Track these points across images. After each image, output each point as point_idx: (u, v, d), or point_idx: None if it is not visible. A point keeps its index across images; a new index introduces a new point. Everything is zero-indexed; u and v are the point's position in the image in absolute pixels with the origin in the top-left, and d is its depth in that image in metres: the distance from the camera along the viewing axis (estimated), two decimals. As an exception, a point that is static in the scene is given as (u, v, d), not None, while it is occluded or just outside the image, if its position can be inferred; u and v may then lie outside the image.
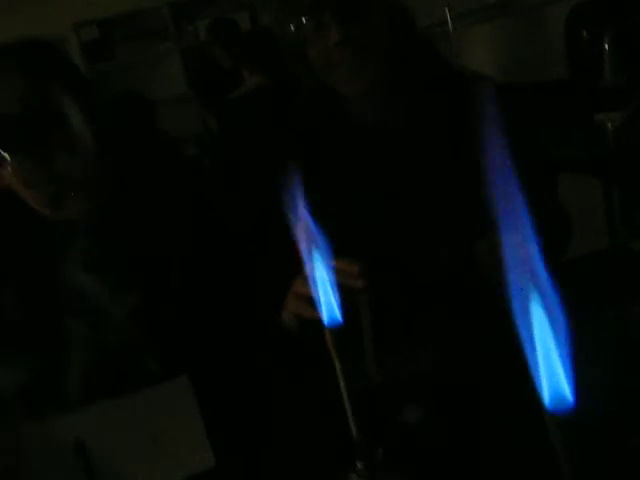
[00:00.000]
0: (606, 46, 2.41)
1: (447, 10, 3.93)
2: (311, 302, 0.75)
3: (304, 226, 0.73)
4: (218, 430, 0.98)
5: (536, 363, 0.49)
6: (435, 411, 0.89)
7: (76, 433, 1.06)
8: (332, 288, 0.73)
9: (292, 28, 1.17)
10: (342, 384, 0.75)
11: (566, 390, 0.49)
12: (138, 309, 1.16)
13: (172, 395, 1.11)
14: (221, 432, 0.98)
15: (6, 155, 1.07)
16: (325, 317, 0.73)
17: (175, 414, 1.07)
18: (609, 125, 2.24)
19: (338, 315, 0.73)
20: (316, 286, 0.72)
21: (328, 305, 0.73)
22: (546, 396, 0.49)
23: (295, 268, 0.79)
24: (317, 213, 0.71)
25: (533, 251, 0.45)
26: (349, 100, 1.19)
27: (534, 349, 0.48)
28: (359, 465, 0.79)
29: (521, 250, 0.45)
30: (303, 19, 1.13)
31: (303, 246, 0.73)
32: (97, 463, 1.00)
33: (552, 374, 0.48)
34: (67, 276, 1.15)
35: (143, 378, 1.12)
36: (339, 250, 0.74)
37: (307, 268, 0.72)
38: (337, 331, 0.73)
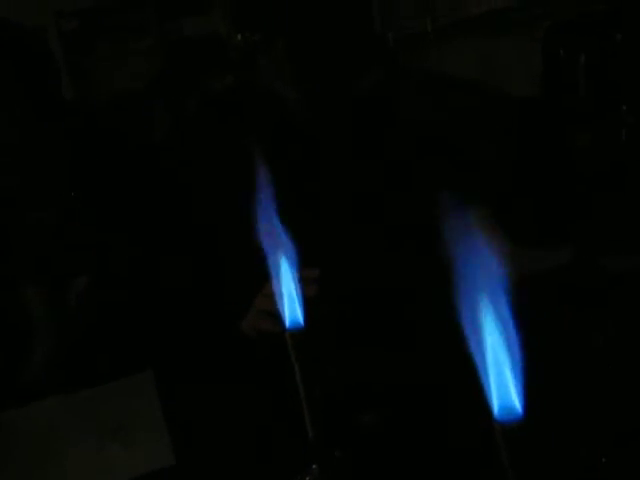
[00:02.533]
0: (582, 66, 2.44)
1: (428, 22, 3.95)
2: (272, 317, 0.76)
3: (269, 230, 0.74)
4: (179, 427, 0.98)
5: (486, 372, 0.50)
6: (392, 414, 0.90)
7: (37, 424, 1.06)
8: (296, 292, 0.74)
9: (239, 38, 1.19)
10: (300, 387, 0.76)
11: (515, 400, 0.50)
12: (86, 293, 1.16)
13: (135, 389, 1.11)
14: (182, 429, 0.98)
15: None
16: (287, 320, 0.74)
17: (137, 409, 1.07)
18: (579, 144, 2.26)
19: (300, 319, 0.74)
20: (280, 289, 0.73)
21: (290, 308, 0.74)
22: (495, 404, 0.50)
23: (258, 279, 0.80)
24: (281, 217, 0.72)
25: (487, 259, 0.46)
26: (296, 105, 1.21)
27: (484, 357, 0.49)
28: (314, 467, 0.80)
29: (475, 257, 0.46)
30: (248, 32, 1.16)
31: (268, 250, 0.73)
32: (56, 454, 1.00)
33: (502, 384, 0.50)
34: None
35: (100, 369, 1.12)
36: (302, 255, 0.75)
37: (272, 273, 0.73)
38: (298, 335, 0.74)
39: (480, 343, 0.48)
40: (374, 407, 0.91)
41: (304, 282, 0.95)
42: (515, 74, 2.71)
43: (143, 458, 0.98)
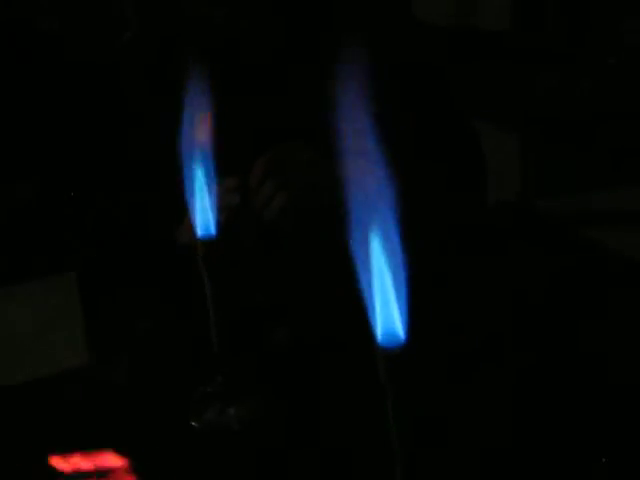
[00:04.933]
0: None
1: None
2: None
3: (188, 138, 0.72)
4: (96, 330, 0.98)
5: (371, 297, 0.49)
6: (302, 334, 0.90)
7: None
8: (211, 201, 0.73)
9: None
10: (208, 296, 0.75)
11: (398, 326, 0.49)
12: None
13: (57, 289, 1.10)
14: (98, 332, 0.97)
15: None
16: (199, 228, 0.72)
17: (58, 308, 1.06)
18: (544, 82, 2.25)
19: (212, 228, 0.73)
20: (194, 198, 0.72)
21: (204, 217, 0.72)
22: (378, 330, 0.50)
23: None
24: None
25: (378, 178, 0.45)
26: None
27: (370, 281, 0.48)
28: (218, 379, 0.80)
29: (365, 176, 0.45)
30: None
31: (185, 159, 0.72)
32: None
33: (386, 309, 0.49)
34: None
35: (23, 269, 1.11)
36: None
37: (186, 182, 0.72)
38: (209, 244, 0.73)
39: (367, 268, 0.47)
40: (286, 325, 0.91)
41: (225, 192, 0.94)
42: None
43: (60, 357, 0.98)
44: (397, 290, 0.49)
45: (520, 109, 2.26)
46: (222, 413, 0.80)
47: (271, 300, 0.95)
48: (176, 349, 0.90)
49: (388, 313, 0.49)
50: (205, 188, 0.71)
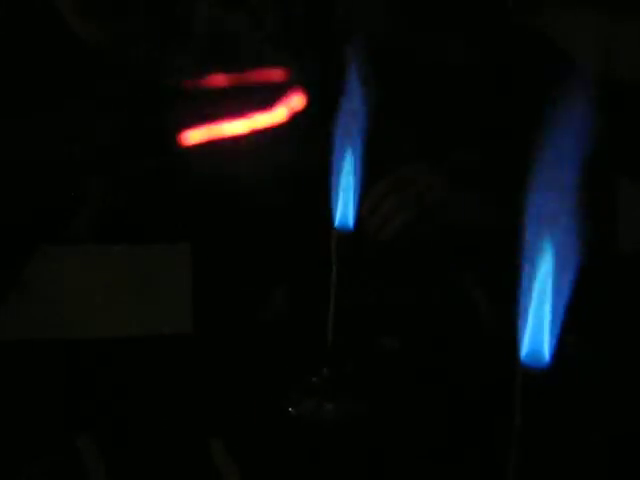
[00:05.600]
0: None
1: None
2: None
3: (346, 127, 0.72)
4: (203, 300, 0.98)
5: (525, 313, 0.49)
6: (412, 342, 0.90)
7: (69, 264, 1.08)
8: (354, 196, 0.73)
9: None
10: (332, 289, 0.75)
11: (545, 347, 0.49)
12: None
13: (171, 256, 1.12)
14: (206, 302, 0.98)
15: None
16: (338, 218, 0.73)
17: (167, 276, 1.09)
18: None
19: (351, 223, 0.73)
20: (340, 186, 0.72)
21: (345, 208, 0.73)
22: (524, 346, 0.49)
23: None
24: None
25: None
26: None
27: (529, 298, 0.48)
28: (325, 372, 0.80)
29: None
30: None
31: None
32: (78, 297, 1.02)
33: (537, 327, 0.48)
34: None
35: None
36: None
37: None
38: (345, 236, 0.73)
39: (530, 278, 0.46)
40: (396, 332, 0.91)
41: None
42: None
43: (162, 320, 1.00)
44: (554, 312, 0.48)
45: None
46: (320, 406, 0.80)
47: (383, 303, 0.95)
48: (291, 337, 0.90)
49: (538, 332, 0.49)
50: (352, 181, 0.72)
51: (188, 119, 0.99)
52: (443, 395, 0.80)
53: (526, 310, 0.49)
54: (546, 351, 0.49)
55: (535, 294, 0.48)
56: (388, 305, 0.95)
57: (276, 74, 0.81)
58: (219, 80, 0.92)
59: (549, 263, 0.47)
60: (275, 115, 0.85)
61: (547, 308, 0.48)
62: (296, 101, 0.91)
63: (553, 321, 0.48)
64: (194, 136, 0.93)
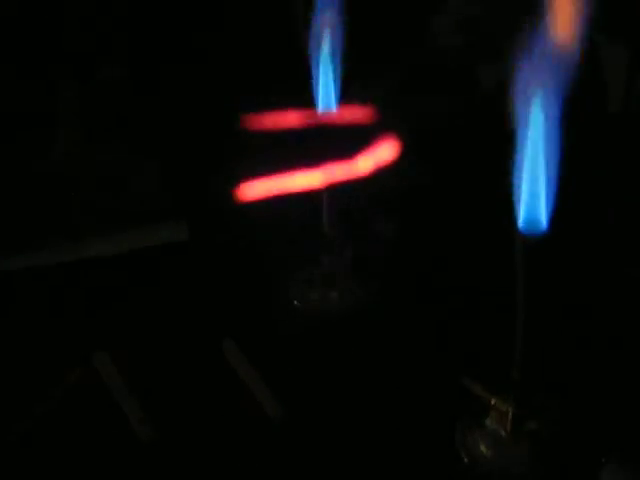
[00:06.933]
0: None
1: None
2: None
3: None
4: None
5: (519, 179, 0.48)
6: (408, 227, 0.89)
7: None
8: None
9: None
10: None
11: (542, 213, 0.48)
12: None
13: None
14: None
15: None
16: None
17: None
18: None
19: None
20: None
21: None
22: (520, 215, 0.48)
23: None
24: None
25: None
26: None
27: (520, 164, 0.47)
28: (325, 260, 0.80)
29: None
30: None
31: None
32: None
33: (533, 194, 0.48)
34: None
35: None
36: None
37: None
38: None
39: (523, 143, 0.45)
40: (392, 217, 0.89)
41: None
42: None
43: (158, 229, 0.99)
44: (548, 177, 0.47)
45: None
46: (325, 296, 0.80)
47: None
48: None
49: (534, 199, 0.48)
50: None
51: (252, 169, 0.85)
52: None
53: (520, 178, 0.48)
54: (543, 217, 0.48)
55: (528, 159, 0.47)
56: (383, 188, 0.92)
57: (362, 113, 0.71)
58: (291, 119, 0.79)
59: (539, 127, 0.46)
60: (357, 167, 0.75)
61: (541, 172, 0.47)
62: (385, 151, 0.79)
63: (548, 185, 0.48)
64: (256, 189, 0.80)
